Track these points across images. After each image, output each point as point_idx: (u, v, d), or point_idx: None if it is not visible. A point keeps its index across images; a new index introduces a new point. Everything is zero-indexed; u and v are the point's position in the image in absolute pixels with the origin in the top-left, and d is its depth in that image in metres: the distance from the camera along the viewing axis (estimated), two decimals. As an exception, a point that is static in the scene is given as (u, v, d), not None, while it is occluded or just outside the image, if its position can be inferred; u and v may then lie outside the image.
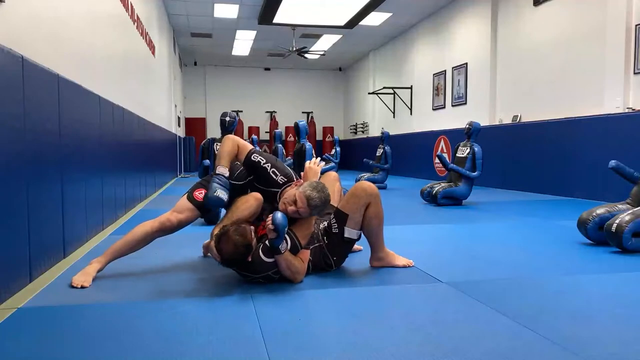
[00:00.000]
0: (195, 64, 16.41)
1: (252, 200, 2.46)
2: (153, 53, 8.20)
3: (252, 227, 2.31)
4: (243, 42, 13.37)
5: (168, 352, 1.58)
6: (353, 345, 1.63)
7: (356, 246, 2.97)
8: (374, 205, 2.56)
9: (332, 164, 10.84)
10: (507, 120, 8.27)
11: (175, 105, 12.56)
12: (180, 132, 13.94)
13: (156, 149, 7.90)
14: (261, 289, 2.28)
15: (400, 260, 2.74)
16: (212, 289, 2.29)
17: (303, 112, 17.40)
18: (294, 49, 12.33)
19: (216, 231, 2.35)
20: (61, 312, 2.00)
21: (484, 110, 8.87)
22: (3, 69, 2.15)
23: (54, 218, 2.80)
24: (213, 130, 16.82)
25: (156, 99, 8.55)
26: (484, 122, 8.56)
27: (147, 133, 6.75)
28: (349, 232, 2.54)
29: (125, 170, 5.04)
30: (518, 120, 7.95)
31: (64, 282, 2.42)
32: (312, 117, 17.47)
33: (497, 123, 8.50)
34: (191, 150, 14.23)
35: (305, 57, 13.51)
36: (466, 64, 9.53)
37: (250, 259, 2.25)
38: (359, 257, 2.92)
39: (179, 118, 13.46)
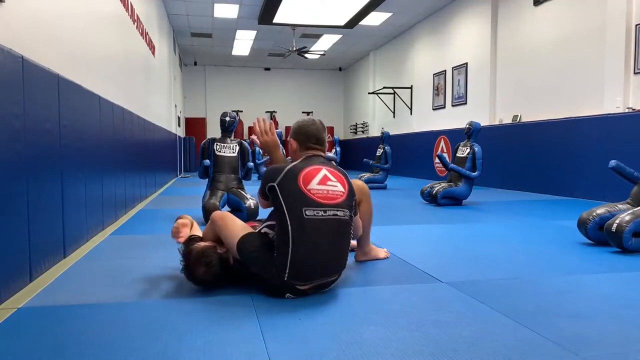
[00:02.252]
0: (195, 63, 16.42)
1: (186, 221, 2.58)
2: (153, 53, 8.20)
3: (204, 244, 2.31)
4: (243, 42, 13.38)
5: (168, 353, 1.58)
6: (353, 344, 1.63)
7: (353, 242, 2.98)
8: (366, 203, 2.64)
9: (332, 164, 10.85)
10: (507, 120, 8.27)
11: (175, 105, 12.56)
12: (180, 132, 13.95)
13: (156, 149, 7.90)
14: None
15: (381, 253, 2.89)
16: (211, 290, 2.29)
17: (303, 112, 17.40)
18: (294, 48, 12.33)
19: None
20: (61, 312, 2.00)
21: (484, 110, 8.87)
22: (3, 69, 2.15)
23: (54, 218, 2.80)
24: (213, 130, 16.81)
25: (156, 99, 8.55)
26: (484, 122, 8.57)
27: (147, 133, 6.75)
28: None
29: (125, 170, 5.04)
30: (518, 120, 7.96)
31: (64, 282, 2.43)
32: (312, 117, 17.46)
33: (497, 123, 8.50)
34: (191, 150, 14.22)
35: (306, 57, 13.51)
36: (466, 63, 9.52)
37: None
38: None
39: (179, 118, 13.46)
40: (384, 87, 12.88)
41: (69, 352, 1.60)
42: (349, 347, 1.61)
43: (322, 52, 13.66)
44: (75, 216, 3.20)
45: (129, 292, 2.28)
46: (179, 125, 13.38)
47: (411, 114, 12.19)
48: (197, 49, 14.37)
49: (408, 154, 11.59)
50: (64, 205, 2.96)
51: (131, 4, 6.00)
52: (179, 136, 12.82)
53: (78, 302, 2.12)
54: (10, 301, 2.12)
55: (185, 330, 1.77)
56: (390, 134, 9.82)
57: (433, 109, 10.98)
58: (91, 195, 3.62)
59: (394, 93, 12.87)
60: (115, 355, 1.56)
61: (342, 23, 10.81)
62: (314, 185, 2.11)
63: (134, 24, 6.18)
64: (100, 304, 2.09)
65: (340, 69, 17.67)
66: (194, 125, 16.50)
